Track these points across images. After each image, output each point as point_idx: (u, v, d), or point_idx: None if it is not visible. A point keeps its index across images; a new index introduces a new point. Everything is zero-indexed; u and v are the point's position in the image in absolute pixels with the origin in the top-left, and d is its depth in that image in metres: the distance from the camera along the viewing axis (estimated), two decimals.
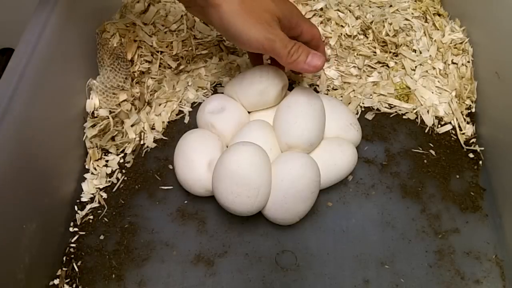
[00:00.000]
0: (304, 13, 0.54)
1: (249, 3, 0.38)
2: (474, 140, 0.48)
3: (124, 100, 0.47)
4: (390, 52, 0.53)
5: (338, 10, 0.54)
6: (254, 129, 0.43)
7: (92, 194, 0.45)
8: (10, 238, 0.35)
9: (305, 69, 0.40)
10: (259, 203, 0.39)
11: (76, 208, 0.44)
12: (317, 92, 0.51)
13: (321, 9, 0.54)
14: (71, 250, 0.42)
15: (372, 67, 0.53)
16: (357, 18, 0.54)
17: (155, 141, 0.48)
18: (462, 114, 0.49)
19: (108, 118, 0.46)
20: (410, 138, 0.48)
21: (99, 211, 0.44)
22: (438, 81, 0.51)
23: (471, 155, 0.47)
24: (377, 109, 0.50)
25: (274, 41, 0.38)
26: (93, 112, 0.47)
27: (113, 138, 0.47)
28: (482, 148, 0.47)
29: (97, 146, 0.46)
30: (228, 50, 0.53)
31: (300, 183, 0.38)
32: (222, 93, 0.49)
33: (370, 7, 0.56)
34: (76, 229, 0.43)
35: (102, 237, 0.42)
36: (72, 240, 0.42)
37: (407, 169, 0.46)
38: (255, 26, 0.37)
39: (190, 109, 0.51)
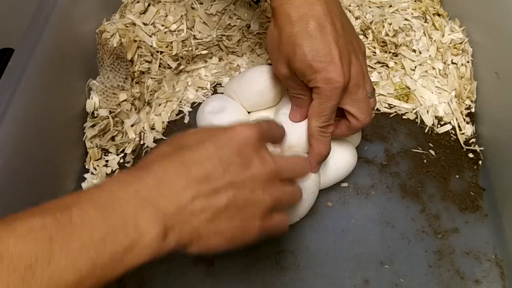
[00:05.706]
0: None
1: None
2: (473, 140, 0.48)
3: (124, 100, 0.47)
4: (389, 52, 0.53)
5: None
6: None
7: None
8: None
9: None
10: None
11: None
12: None
13: None
14: None
15: (372, 67, 0.53)
16: (356, 18, 0.54)
17: (155, 141, 0.48)
18: (462, 114, 0.49)
19: (108, 118, 0.46)
20: (410, 138, 0.48)
21: None
22: (438, 81, 0.51)
23: (470, 155, 0.47)
24: (377, 109, 0.50)
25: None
26: (93, 112, 0.47)
27: (113, 138, 0.47)
28: (482, 148, 0.47)
29: (97, 146, 0.46)
30: (228, 50, 0.53)
31: (300, 183, 0.38)
32: (222, 93, 0.49)
33: (370, 7, 0.56)
34: None
35: None
36: None
37: (406, 169, 0.46)
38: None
39: (190, 109, 0.51)
